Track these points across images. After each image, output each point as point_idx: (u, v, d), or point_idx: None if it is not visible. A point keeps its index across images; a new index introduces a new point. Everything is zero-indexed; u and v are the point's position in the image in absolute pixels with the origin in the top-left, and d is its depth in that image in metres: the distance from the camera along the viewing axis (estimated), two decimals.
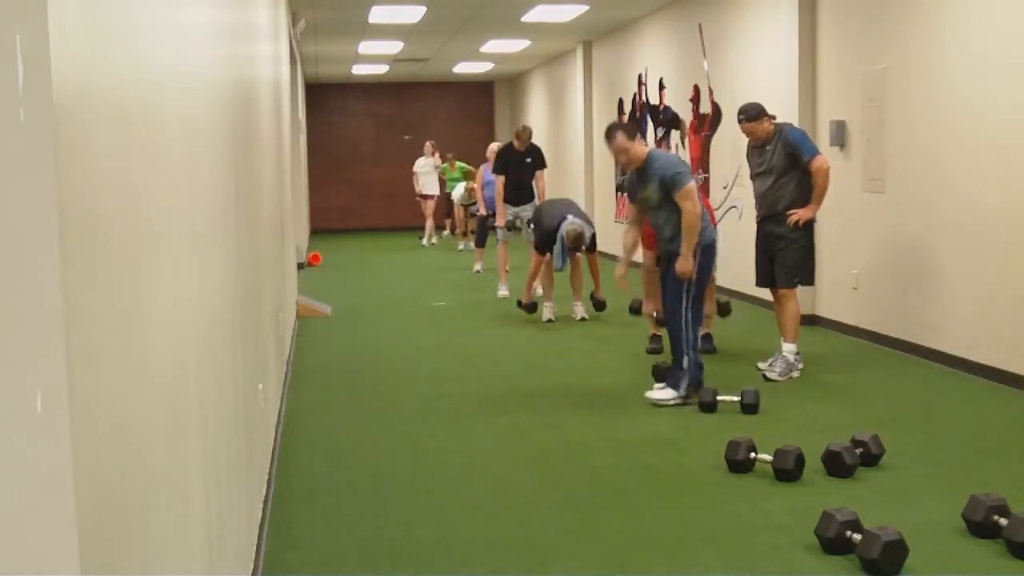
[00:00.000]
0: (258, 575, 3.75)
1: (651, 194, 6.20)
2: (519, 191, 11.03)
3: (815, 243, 7.03)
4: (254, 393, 4.14)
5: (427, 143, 19.02)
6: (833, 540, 3.84)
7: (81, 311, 1.33)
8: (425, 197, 18.56)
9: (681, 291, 6.17)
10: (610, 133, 6.32)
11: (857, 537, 3.77)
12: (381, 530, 4.26)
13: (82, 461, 1.28)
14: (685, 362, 6.18)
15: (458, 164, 18.11)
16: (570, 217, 9.05)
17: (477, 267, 13.70)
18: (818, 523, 3.91)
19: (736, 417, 5.90)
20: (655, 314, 7.77)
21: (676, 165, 6.25)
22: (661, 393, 6.20)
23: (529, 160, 11.01)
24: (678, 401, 6.16)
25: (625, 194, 9.53)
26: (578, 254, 9.35)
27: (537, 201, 10.83)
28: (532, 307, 9.55)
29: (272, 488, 4.74)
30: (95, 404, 1.39)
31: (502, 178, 10.85)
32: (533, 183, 11.12)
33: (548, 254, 9.22)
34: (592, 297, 9.61)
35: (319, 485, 4.89)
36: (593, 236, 9.22)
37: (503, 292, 11.18)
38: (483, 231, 13.86)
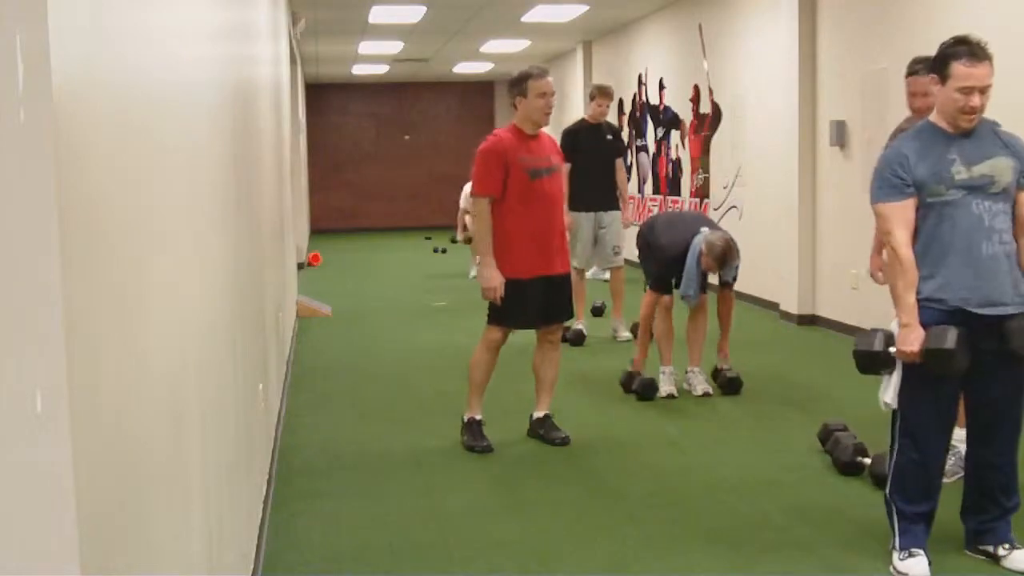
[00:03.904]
0: (258, 575, 3.75)
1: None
2: (597, 188, 7.81)
3: None
4: (254, 393, 4.14)
5: None
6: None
7: (81, 310, 1.33)
8: None
9: None
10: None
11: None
12: (381, 530, 4.26)
13: (82, 461, 1.28)
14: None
15: None
16: (705, 230, 6.22)
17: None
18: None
19: (737, 418, 5.90)
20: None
21: None
22: None
23: (611, 139, 8.05)
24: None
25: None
26: (710, 291, 6.47)
27: (623, 206, 8.21)
28: (649, 386, 6.28)
29: (272, 488, 4.74)
30: (95, 404, 1.39)
31: (566, 167, 7.02)
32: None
33: (666, 294, 6.33)
34: (718, 371, 6.51)
35: (319, 485, 4.89)
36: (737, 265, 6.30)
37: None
38: None
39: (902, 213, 3.53)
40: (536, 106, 5.26)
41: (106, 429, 1.47)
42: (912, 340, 3.53)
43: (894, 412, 3.75)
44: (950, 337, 3.48)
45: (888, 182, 3.57)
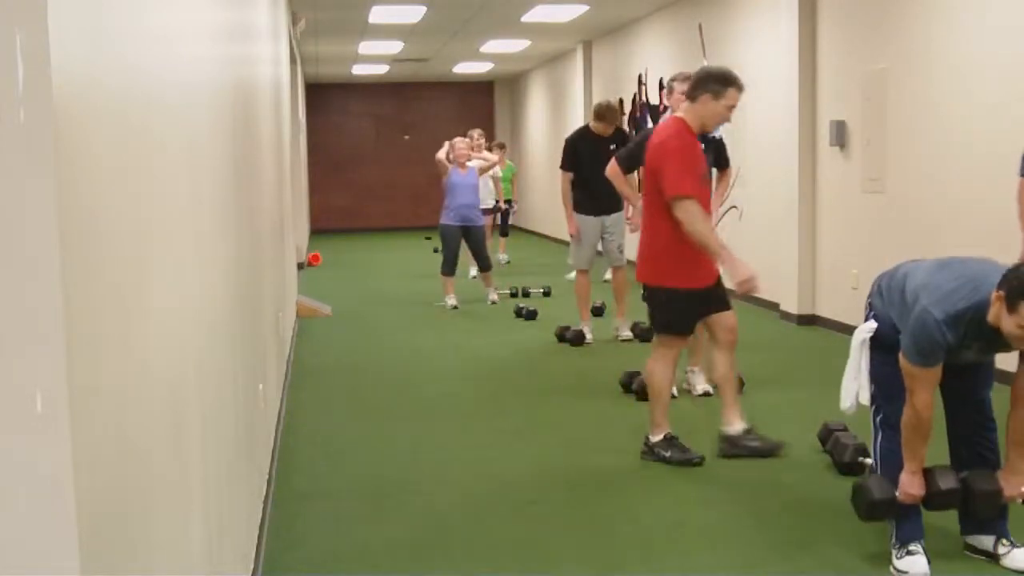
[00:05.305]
0: (258, 575, 3.75)
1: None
2: (598, 195, 7.93)
3: None
4: (254, 393, 4.14)
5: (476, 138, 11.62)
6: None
7: (81, 311, 1.33)
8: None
9: None
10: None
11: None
12: (381, 530, 4.26)
13: (82, 461, 1.28)
14: None
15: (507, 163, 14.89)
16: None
17: (451, 301, 10.55)
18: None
19: None
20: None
21: None
22: None
23: (614, 148, 7.78)
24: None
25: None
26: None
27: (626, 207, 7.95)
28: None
29: (272, 488, 4.74)
30: (95, 404, 1.39)
31: (568, 175, 8.20)
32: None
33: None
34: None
35: (319, 485, 4.89)
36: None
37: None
38: (449, 252, 10.53)
39: (932, 378, 3.64)
40: (721, 114, 5.02)
41: (106, 429, 1.47)
42: (918, 485, 3.73)
43: (874, 407, 3.91)
44: (951, 478, 3.74)
45: (931, 353, 3.57)
